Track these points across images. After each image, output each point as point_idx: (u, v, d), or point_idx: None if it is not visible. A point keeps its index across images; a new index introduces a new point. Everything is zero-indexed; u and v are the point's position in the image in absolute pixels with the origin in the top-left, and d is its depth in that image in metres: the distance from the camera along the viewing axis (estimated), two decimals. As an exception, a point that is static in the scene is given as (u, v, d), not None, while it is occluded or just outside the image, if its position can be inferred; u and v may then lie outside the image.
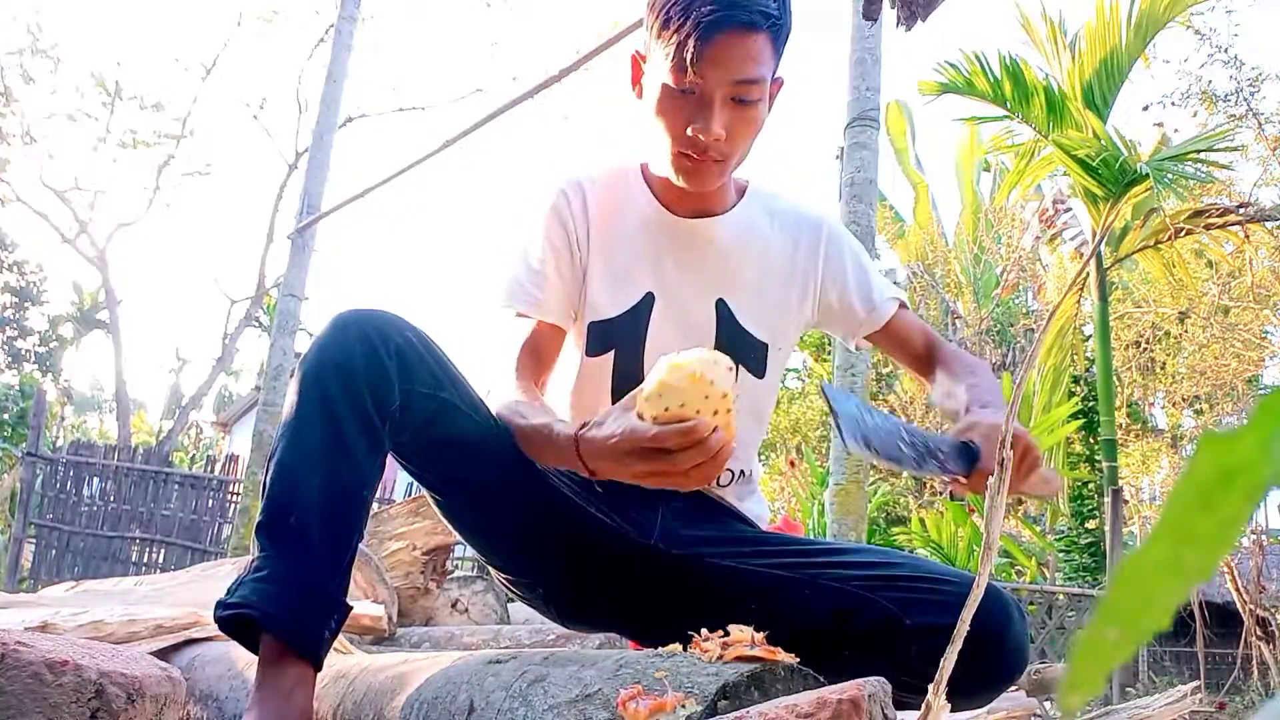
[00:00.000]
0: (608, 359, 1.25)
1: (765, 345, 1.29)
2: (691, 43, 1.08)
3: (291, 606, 0.97)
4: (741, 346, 1.26)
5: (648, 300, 1.25)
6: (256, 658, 1.00)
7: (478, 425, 1.09)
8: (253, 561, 1.00)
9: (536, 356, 1.23)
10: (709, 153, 1.15)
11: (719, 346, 1.25)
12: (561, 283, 1.25)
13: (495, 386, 1.18)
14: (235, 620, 0.99)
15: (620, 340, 1.25)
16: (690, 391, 0.87)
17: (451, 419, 1.07)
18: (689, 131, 1.13)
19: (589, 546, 1.20)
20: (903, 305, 1.36)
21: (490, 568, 1.27)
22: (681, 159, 1.16)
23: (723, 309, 1.26)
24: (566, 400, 1.32)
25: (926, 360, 1.35)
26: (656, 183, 1.29)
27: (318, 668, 1.00)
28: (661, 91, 1.14)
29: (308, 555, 0.99)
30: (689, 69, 1.09)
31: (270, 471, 1.01)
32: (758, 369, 1.29)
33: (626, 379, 1.24)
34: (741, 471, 1.31)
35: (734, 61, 1.10)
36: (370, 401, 1.00)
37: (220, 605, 0.99)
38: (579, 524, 1.19)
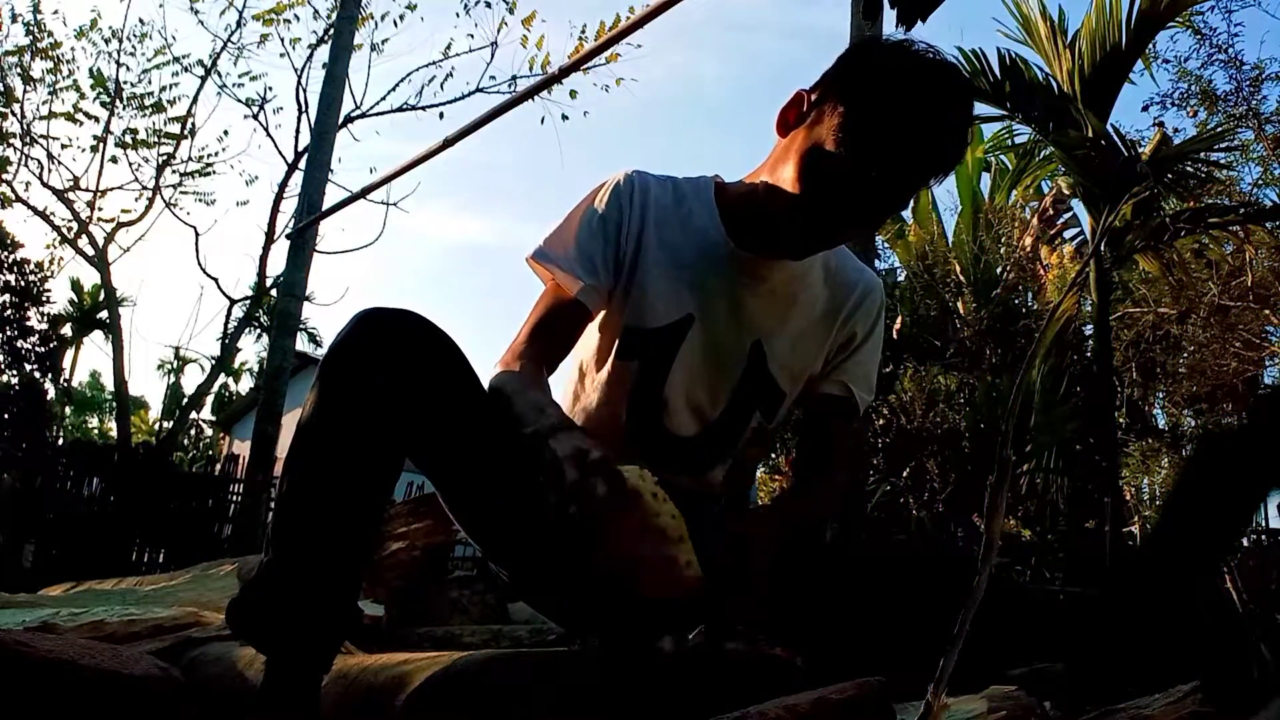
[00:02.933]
0: (631, 368, 1.23)
1: (784, 394, 1.27)
2: (878, 167, 1.02)
3: (302, 612, 0.97)
4: (762, 391, 1.26)
5: (686, 322, 1.22)
6: (260, 657, 1.00)
7: (488, 426, 1.08)
8: (265, 564, 1.00)
9: (554, 336, 1.20)
10: (826, 243, 1.14)
11: (743, 387, 1.24)
12: (606, 272, 1.22)
13: (505, 350, 1.16)
14: (246, 623, 0.99)
15: (649, 354, 1.23)
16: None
17: (466, 421, 1.06)
18: (826, 217, 1.09)
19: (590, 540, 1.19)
20: (848, 402, 1.30)
21: (493, 564, 1.26)
22: (794, 227, 1.12)
23: (757, 352, 1.24)
24: (572, 392, 1.31)
25: (814, 456, 1.29)
26: (729, 207, 1.24)
27: (325, 670, 1.00)
28: (815, 157, 1.07)
29: (321, 561, 0.98)
30: (860, 176, 1.04)
31: (286, 474, 1.00)
32: (769, 415, 1.28)
33: (645, 393, 1.23)
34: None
35: (894, 188, 1.06)
36: (391, 405, 0.99)
37: (232, 606, 1.00)
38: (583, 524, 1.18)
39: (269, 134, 10.91)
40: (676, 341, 1.22)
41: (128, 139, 9.42)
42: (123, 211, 9.48)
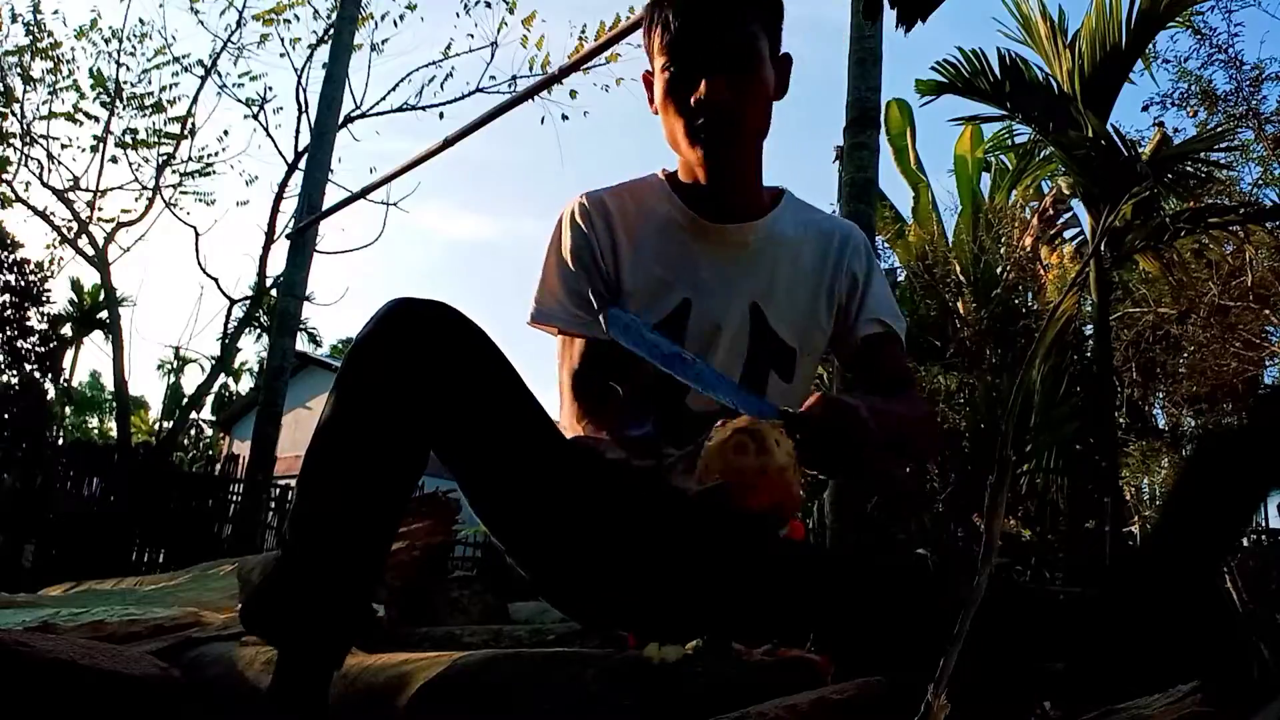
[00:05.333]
0: (646, 364, 1.23)
1: (794, 351, 1.28)
2: (670, 18, 1.14)
3: (318, 608, 0.97)
4: (771, 351, 1.27)
5: (684, 307, 1.25)
6: (260, 657, 1.00)
7: (522, 421, 1.06)
8: (281, 559, 1.00)
9: (596, 384, 1.22)
10: (718, 118, 1.16)
11: (754, 352, 1.26)
12: (595, 294, 1.24)
13: (561, 416, 1.20)
14: (260, 618, 0.99)
15: None
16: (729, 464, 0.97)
17: (497, 417, 1.04)
18: (691, 103, 1.15)
19: (622, 539, 1.17)
20: (889, 335, 1.31)
21: (513, 561, 1.24)
22: (695, 134, 1.18)
23: (756, 313, 1.26)
24: None
25: (884, 388, 1.30)
26: (685, 188, 1.28)
27: (337, 667, 1.00)
28: (660, 82, 1.18)
29: (338, 558, 0.97)
30: (672, 46, 1.14)
31: (305, 469, 0.99)
32: (785, 374, 1.29)
33: (664, 381, 1.24)
34: None
35: (712, 27, 1.14)
36: (417, 401, 0.97)
37: (246, 604, 1.00)
38: (616, 523, 1.15)
39: (269, 134, 10.97)
40: (680, 327, 1.24)
41: (128, 139, 9.43)
42: (123, 211, 9.50)
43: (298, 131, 8.92)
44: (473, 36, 9.80)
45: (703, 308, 1.25)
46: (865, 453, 1.02)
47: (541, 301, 1.27)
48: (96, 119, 9.29)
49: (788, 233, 1.30)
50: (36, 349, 9.97)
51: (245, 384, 25.35)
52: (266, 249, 8.85)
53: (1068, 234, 9.25)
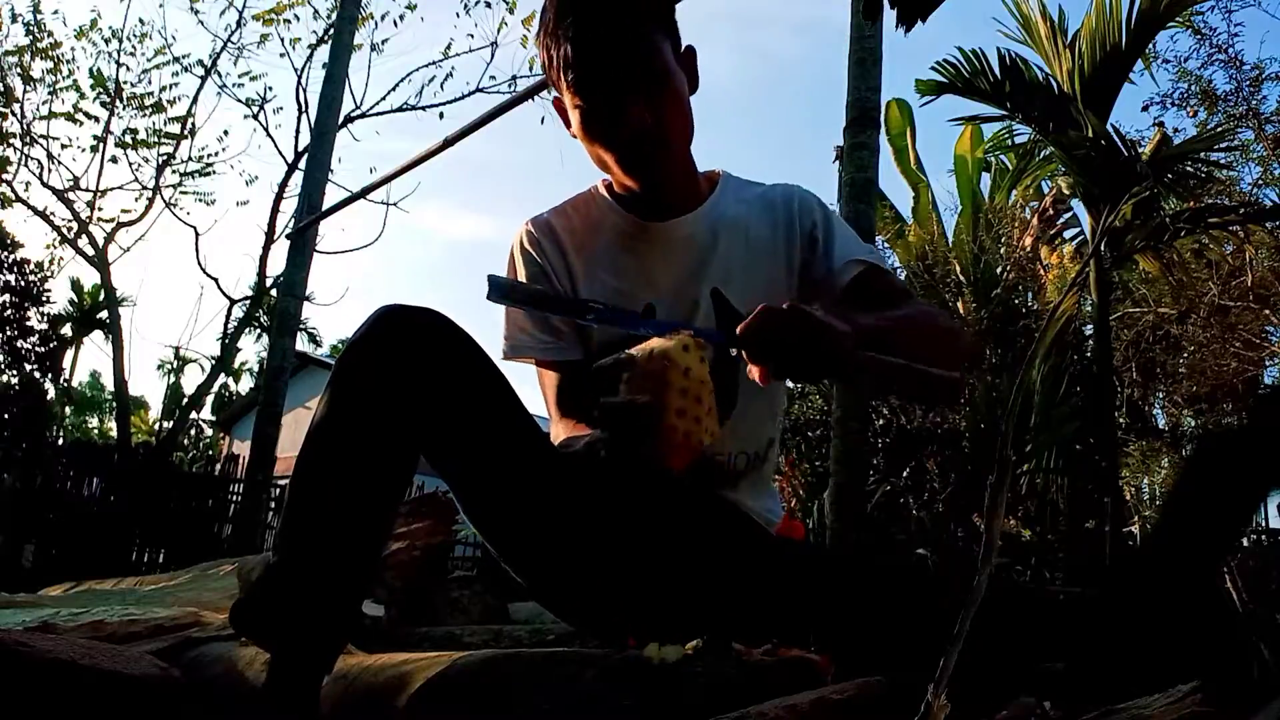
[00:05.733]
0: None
1: None
2: (569, 54, 1.12)
3: (307, 612, 0.97)
4: None
5: (648, 312, 1.26)
6: (260, 657, 1.00)
7: (510, 427, 1.07)
8: (272, 563, 1.00)
9: (578, 393, 1.24)
10: (645, 143, 1.16)
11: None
12: (566, 326, 1.26)
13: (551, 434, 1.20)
14: (250, 621, 0.99)
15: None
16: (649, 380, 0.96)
17: (489, 424, 1.05)
18: (614, 134, 1.15)
19: (615, 542, 1.18)
20: (871, 270, 1.26)
21: (506, 566, 1.25)
22: (626, 163, 1.18)
23: (718, 298, 1.27)
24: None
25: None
26: (623, 196, 1.30)
27: (327, 671, 1.00)
28: (576, 116, 1.17)
29: (327, 562, 0.98)
30: (579, 83, 1.13)
31: (296, 475, 1.00)
32: None
33: None
34: (755, 454, 1.30)
35: (613, 53, 1.12)
36: (406, 407, 0.98)
37: (236, 605, 1.00)
38: (608, 526, 1.16)
39: (269, 134, 10.98)
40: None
41: (128, 139, 9.43)
42: (123, 211, 9.51)
43: (298, 131, 8.94)
44: (473, 36, 9.83)
45: (666, 308, 1.26)
46: (840, 352, 0.98)
47: (511, 336, 1.29)
48: (96, 119, 9.31)
49: (730, 212, 1.30)
50: (36, 349, 9.96)
51: (245, 384, 25.36)
52: (266, 249, 8.85)
53: (1068, 234, 9.25)
